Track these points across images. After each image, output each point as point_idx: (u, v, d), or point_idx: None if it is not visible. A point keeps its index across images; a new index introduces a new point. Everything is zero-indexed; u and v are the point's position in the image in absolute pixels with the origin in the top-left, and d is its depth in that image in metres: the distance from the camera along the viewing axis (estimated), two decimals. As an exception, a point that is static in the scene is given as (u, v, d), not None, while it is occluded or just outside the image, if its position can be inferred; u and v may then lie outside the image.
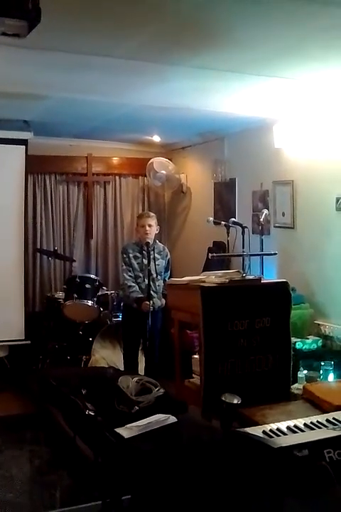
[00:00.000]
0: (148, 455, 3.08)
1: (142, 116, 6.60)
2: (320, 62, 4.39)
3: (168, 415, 3.42)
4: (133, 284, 5.96)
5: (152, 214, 6.17)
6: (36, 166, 7.80)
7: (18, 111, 6.41)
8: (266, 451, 2.74)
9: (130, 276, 5.99)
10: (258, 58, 4.33)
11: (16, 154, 7.13)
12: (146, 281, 5.89)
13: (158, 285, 6.05)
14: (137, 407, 3.59)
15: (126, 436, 3.19)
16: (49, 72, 4.69)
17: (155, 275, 5.96)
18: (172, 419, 3.40)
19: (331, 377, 4.93)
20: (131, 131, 7.82)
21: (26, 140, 7.11)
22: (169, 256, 6.28)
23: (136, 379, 3.86)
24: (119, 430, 3.25)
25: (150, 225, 5.98)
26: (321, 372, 4.99)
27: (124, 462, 3.15)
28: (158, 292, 6.05)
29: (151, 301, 5.81)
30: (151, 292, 5.84)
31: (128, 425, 3.30)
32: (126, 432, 3.24)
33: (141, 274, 6.00)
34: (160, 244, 6.25)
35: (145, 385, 3.84)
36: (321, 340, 5.60)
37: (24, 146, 7.13)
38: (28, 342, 7.18)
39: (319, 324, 5.81)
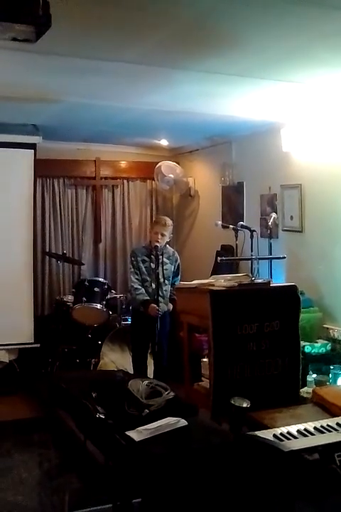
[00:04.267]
0: (159, 458, 3.09)
1: (150, 121, 6.62)
2: (327, 66, 4.39)
3: (179, 418, 3.43)
4: (140, 287, 5.97)
5: (169, 223, 6.12)
6: (45, 169, 7.81)
7: (27, 115, 6.45)
8: (277, 455, 2.74)
9: (137, 279, 6.01)
10: (265, 62, 4.34)
11: (25, 158, 7.14)
12: (154, 285, 5.91)
13: (165, 290, 6.06)
14: (147, 411, 3.60)
15: (136, 440, 3.20)
16: (58, 77, 4.73)
17: (162, 280, 5.98)
18: (183, 422, 3.41)
19: (340, 381, 4.93)
20: (139, 135, 7.84)
21: (35, 144, 7.13)
22: (179, 261, 6.28)
23: (146, 382, 3.87)
24: (130, 433, 3.26)
25: (162, 235, 5.99)
26: (330, 375, 4.99)
27: (135, 465, 3.16)
28: (165, 297, 6.06)
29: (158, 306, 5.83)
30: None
31: (138, 428, 3.31)
32: (136, 435, 3.25)
33: (148, 278, 6.01)
34: (170, 248, 6.26)
35: (156, 388, 3.85)
36: (330, 344, 5.59)
37: (33, 150, 7.15)
38: (38, 345, 7.19)
39: (328, 328, 5.81)
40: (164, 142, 8.27)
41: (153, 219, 7.69)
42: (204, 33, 3.75)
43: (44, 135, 7.08)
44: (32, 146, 7.12)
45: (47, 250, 8.22)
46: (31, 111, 6.12)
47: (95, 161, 8.57)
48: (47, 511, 4.25)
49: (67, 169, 8.41)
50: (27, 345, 7.19)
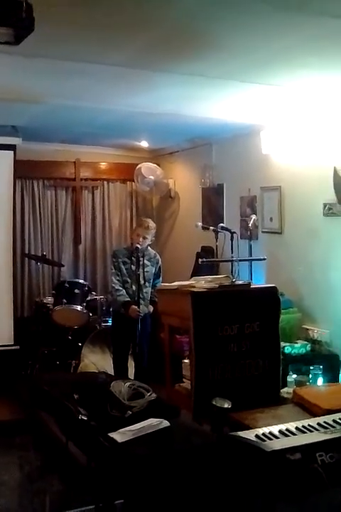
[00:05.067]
0: (142, 459, 3.11)
1: (131, 122, 6.63)
2: (307, 70, 4.44)
3: (161, 420, 3.45)
4: (121, 288, 5.98)
5: (152, 226, 6.12)
6: (24, 171, 7.79)
7: (7, 116, 6.40)
8: (259, 455, 2.77)
9: (118, 280, 6.02)
10: (246, 66, 4.38)
11: (4, 160, 7.12)
12: (134, 287, 5.93)
13: (146, 292, 6.07)
14: (130, 412, 3.61)
15: (119, 441, 3.22)
16: (38, 79, 4.73)
17: (143, 282, 5.98)
18: (165, 423, 3.43)
19: (320, 381, 4.98)
20: (119, 137, 7.85)
21: (15, 145, 7.10)
22: (160, 263, 6.28)
23: (128, 384, 3.88)
24: (113, 435, 3.28)
25: (144, 237, 6.00)
26: (310, 376, 5.04)
27: (118, 466, 3.17)
28: (146, 299, 6.06)
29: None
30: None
31: (121, 430, 3.33)
32: (119, 436, 3.26)
33: (128, 280, 6.02)
34: (151, 250, 6.26)
35: (138, 389, 3.86)
36: (309, 345, 5.64)
37: (12, 152, 7.13)
38: (17, 347, 7.16)
39: (307, 329, 5.86)
40: (144, 144, 8.29)
41: (137, 221, 7.68)
42: (186, 37, 3.78)
43: (24, 136, 7.06)
44: (11, 147, 7.10)
45: (27, 252, 8.19)
46: (11, 112, 6.08)
47: (75, 162, 8.55)
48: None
49: (47, 170, 8.38)
50: (6, 347, 7.14)
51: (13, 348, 7.16)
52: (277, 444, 2.89)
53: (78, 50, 3.99)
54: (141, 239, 5.97)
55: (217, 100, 5.46)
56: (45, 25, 3.15)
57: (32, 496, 4.50)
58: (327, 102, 5.34)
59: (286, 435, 3.07)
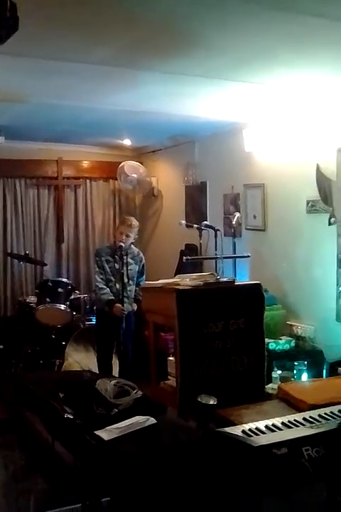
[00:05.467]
0: (129, 457, 3.11)
1: (113, 120, 6.62)
2: (288, 68, 4.46)
3: (147, 417, 3.46)
4: (105, 287, 5.98)
5: (135, 224, 6.13)
6: (6, 170, 7.78)
7: (-12, 115, 6.38)
8: (246, 450, 2.78)
9: (101, 278, 6.02)
10: (227, 64, 4.39)
11: (-14, 158, 7.10)
12: (118, 285, 5.93)
13: (130, 290, 6.07)
14: (116, 410, 3.61)
15: (106, 439, 3.22)
16: (21, 78, 4.70)
17: (126, 280, 5.98)
18: (152, 420, 3.44)
19: (304, 376, 5.02)
20: (102, 135, 7.83)
21: (-4, 144, 7.08)
22: (144, 261, 6.29)
23: (114, 382, 3.89)
24: (99, 433, 3.28)
25: (127, 235, 6.00)
26: (294, 372, 5.07)
27: (105, 464, 3.17)
28: (130, 297, 6.07)
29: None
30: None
31: (107, 427, 3.33)
32: (106, 434, 3.27)
33: (112, 278, 6.02)
34: (134, 248, 6.26)
35: (124, 387, 3.87)
36: (294, 341, 5.69)
37: (-6, 150, 7.10)
38: (1, 347, 7.13)
39: (291, 325, 5.90)
40: (127, 142, 8.27)
41: (119, 219, 7.67)
42: (168, 35, 3.78)
43: (6, 135, 7.02)
44: (-7, 145, 7.07)
45: (9, 251, 8.15)
46: (-8, 111, 6.06)
47: (57, 160, 8.53)
48: (15, 513, 4.21)
49: (29, 169, 8.35)
50: (-10, 347, 7.13)
51: (-3, 347, 7.14)
52: (263, 440, 2.91)
53: (61, 49, 3.97)
54: (124, 237, 5.97)
55: (200, 98, 5.47)
56: (28, 24, 3.13)
57: (16, 495, 4.48)
58: (309, 99, 5.37)
59: (272, 430, 3.09)
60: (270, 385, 4.96)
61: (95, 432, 3.31)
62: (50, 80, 4.74)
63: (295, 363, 5.10)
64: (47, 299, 7.01)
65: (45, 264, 8.28)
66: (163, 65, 4.37)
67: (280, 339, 5.63)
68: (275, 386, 4.74)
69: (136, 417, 3.48)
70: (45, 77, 4.67)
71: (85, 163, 8.81)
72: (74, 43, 3.87)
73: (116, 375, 5.84)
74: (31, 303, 7.32)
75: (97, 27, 3.58)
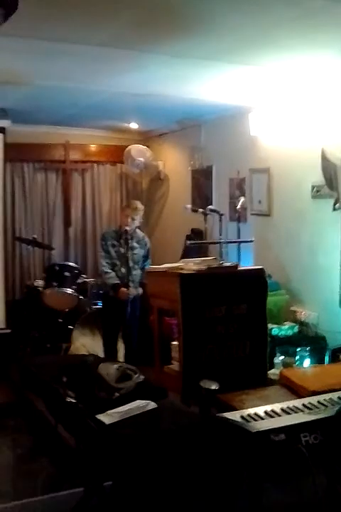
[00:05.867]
0: (130, 441, 3.14)
1: (119, 104, 6.62)
2: (289, 50, 4.45)
3: (148, 401, 3.47)
4: (110, 271, 6.02)
5: (140, 208, 6.18)
6: (14, 154, 7.76)
7: (-5, 98, 6.40)
8: (244, 436, 2.81)
9: (107, 262, 6.05)
10: (233, 46, 4.38)
11: (-6, 142, 7.10)
12: (123, 269, 5.96)
13: (135, 274, 6.10)
14: (117, 394, 3.62)
15: (107, 423, 3.23)
16: (26, 60, 4.72)
17: (131, 264, 6.01)
18: (153, 404, 3.46)
19: (307, 362, 5.03)
20: (109, 118, 7.82)
21: (4, 128, 7.08)
22: (149, 245, 6.31)
23: (116, 366, 3.89)
24: (100, 417, 3.29)
25: (133, 219, 6.03)
26: (297, 357, 5.08)
27: (106, 448, 3.20)
28: (135, 281, 6.09)
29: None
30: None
31: (109, 411, 3.35)
32: (107, 418, 3.28)
33: (117, 262, 6.05)
34: (140, 233, 6.29)
35: (126, 371, 3.87)
36: (297, 327, 5.68)
37: (2, 135, 7.10)
38: (9, 331, 7.17)
39: (295, 311, 5.90)
40: (134, 125, 8.27)
41: (124, 203, 7.69)
42: (172, 17, 3.77)
43: (13, 119, 7.03)
44: (1, 130, 7.08)
45: (18, 235, 8.19)
46: (0, 94, 6.06)
47: (64, 144, 8.54)
48: (20, 495, 4.26)
49: (37, 153, 8.37)
50: (-2, 331, 7.17)
51: (5, 331, 7.17)
52: (261, 425, 2.92)
53: (64, 30, 3.98)
54: (129, 220, 5.99)
55: (205, 81, 5.46)
56: (31, 5, 3.14)
57: (23, 477, 4.54)
58: (314, 83, 5.35)
59: (271, 416, 3.10)
60: (272, 371, 4.98)
61: (96, 415, 3.33)
62: (54, 61, 4.75)
63: (298, 349, 5.11)
64: (55, 283, 7.04)
65: (53, 248, 8.30)
66: (166, 46, 4.37)
67: (284, 325, 5.63)
68: (278, 372, 4.75)
69: (137, 401, 3.49)
70: (49, 59, 4.68)
71: (92, 147, 8.82)
72: (77, 24, 3.88)
73: (122, 359, 5.89)
74: (39, 287, 7.36)
75: (99, 7, 3.59)
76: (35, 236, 7.83)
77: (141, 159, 8.34)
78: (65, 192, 8.62)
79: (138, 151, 8.37)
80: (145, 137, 8.88)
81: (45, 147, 8.41)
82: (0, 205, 7.18)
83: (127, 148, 8.38)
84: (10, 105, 6.76)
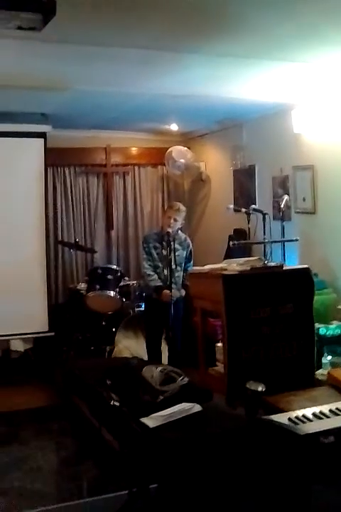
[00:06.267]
0: (174, 444, 3.09)
1: (159, 106, 6.60)
2: (335, 45, 4.37)
3: (193, 404, 3.43)
4: (152, 273, 6.00)
5: (182, 209, 6.14)
6: (55, 158, 7.82)
7: (36, 104, 6.43)
8: (292, 439, 2.74)
9: (149, 265, 6.04)
10: (273, 43, 4.33)
11: (35, 147, 7.15)
12: (166, 271, 5.92)
13: (178, 276, 6.06)
14: (162, 397, 3.59)
15: (151, 426, 3.20)
16: (65, 65, 4.73)
17: (174, 266, 5.96)
18: (198, 407, 3.41)
19: (355, 362, 4.92)
20: (149, 121, 7.81)
21: (45, 133, 7.12)
22: (191, 247, 6.27)
23: (160, 368, 3.86)
24: (144, 420, 3.26)
25: (175, 219, 6.00)
26: (345, 357, 4.98)
27: (150, 452, 3.16)
28: (178, 283, 6.05)
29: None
30: (170, 283, 5.87)
31: (153, 415, 3.31)
32: (151, 421, 3.25)
33: (160, 264, 6.02)
34: (182, 234, 6.25)
35: (170, 374, 3.84)
36: (344, 326, 5.57)
37: (43, 139, 7.14)
38: (52, 334, 7.22)
39: (342, 309, 5.78)
40: (174, 127, 8.24)
41: (166, 205, 7.67)
42: (211, 16, 3.75)
43: (54, 123, 7.07)
44: (42, 134, 7.12)
45: (60, 239, 8.25)
46: (40, 99, 6.11)
47: (105, 148, 8.56)
48: (65, 498, 4.27)
49: (78, 157, 8.42)
50: (42, 334, 7.22)
51: (48, 334, 7.22)
52: (310, 428, 2.87)
53: (102, 35, 4.00)
54: (172, 221, 5.96)
55: (246, 80, 5.40)
56: (67, 9, 3.13)
57: (68, 480, 4.55)
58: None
59: (320, 418, 3.04)
60: (320, 371, 4.87)
61: (140, 419, 3.29)
62: (92, 66, 4.75)
63: (346, 349, 5.01)
64: (97, 286, 7.05)
65: (95, 252, 8.34)
66: (206, 46, 4.33)
67: (331, 324, 5.49)
68: (325, 372, 4.65)
69: (182, 404, 3.45)
70: (87, 64, 4.69)
71: (133, 150, 8.82)
72: (116, 28, 3.89)
73: (166, 362, 5.86)
74: (82, 290, 7.39)
75: (138, 9, 3.57)
76: (77, 240, 7.87)
77: (182, 161, 8.30)
78: (106, 195, 8.65)
79: (179, 153, 8.34)
80: (186, 138, 8.84)
81: (86, 151, 8.45)
82: (42, 209, 7.22)
83: (168, 150, 8.36)
84: (50, 110, 6.81)
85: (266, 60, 4.76)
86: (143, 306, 6.92)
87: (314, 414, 3.04)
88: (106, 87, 5.52)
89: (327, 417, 3.02)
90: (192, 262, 6.25)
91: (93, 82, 5.29)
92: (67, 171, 8.41)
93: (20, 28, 2.98)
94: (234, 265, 4.96)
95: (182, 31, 4.05)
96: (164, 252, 5.97)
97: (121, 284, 7.24)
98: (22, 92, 5.57)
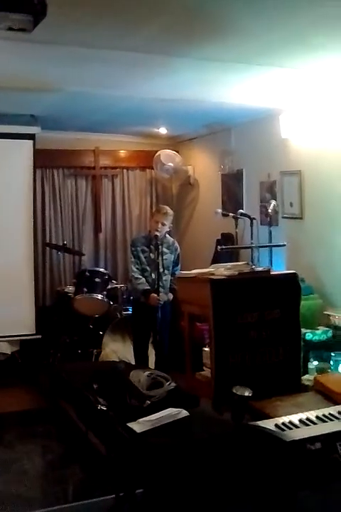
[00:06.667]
0: (161, 449, 3.09)
1: (148, 109, 6.59)
2: (323, 51, 4.38)
3: (180, 409, 3.43)
4: (140, 277, 5.99)
5: (170, 213, 6.13)
6: (44, 160, 7.79)
7: (25, 105, 6.42)
8: (279, 445, 2.74)
9: (137, 268, 6.03)
10: (262, 48, 4.34)
11: (24, 149, 7.12)
12: (153, 275, 5.92)
13: (165, 280, 6.05)
14: (149, 402, 3.59)
15: (138, 431, 3.20)
16: (55, 66, 4.71)
17: (162, 270, 5.96)
18: (184, 413, 3.41)
19: (342, 367, 4.94)
20: (138, 124, 7.81)
21: (34, 134, 7.10)
22: (179, 250, 6.27)
23: (147, 373, 3.86)
24: (131, 425, 3.26)
25: (163, 223, 5.99)
26: (331, 363, 4.99)
27: (137, 456, 3.16)
28: (165, 287, 6.05)
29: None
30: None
31: (140, 420, 3.31)
32: (138, 426, 3.25)
33: (148, 268, 6.02)
34: (169, 238, 6.25)
35: (157, 379, 3.84)
36: (331, 331, 5.57)
37: (32, 141, 7.12)
38: (39, 336, 7.20)
39: (329, 315, 5.76)
40: (163, 130, 8.24)
41: (154, 208, 7.67)
42: (201, 20, 3.74)
43: (43, 125, 7.05)
44: (31, 136, 7.10)
45: (48, 241, 8.22)
46: (29, 101, 6.09)
47: (94, 150, 8.55)
48: (51, 502, 4.25)
49: (67, 159, 8.40)
50: (28, 337, 7.20)
51: (35, 337, 7.20)
52: (297, 434, 2.87)
53: (93, 36, 3.98)
54: (159, 225, 5.96)
55: (235, 84, 5.41)
56: (57, 10, 3.13)
57: (54, 484, 4.53)
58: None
59: (306, 424, 3.05)
60: (306, 377, 4.89)
61: (128, 424, 3.29)
62: (82, 68, 4.74)
63: (332, 354, 5.02)
64: (85, 289, 7.04)
65: (83, 254, 8.31)
66: (195, 50, 4.34)
67: (317, 329, 5.52)
68: (312, 377, 4.67)
69: (169, 409, 3.45)
70: (78, 66, 4.68)
71: (122, 153, 8.81)
72: (107, 30, 3.87)
73: (152, 366, 5.85)
74: (69, 293, 7.38)
75: (127, 12, 3.57)
76: (65, 242, 7.87)
77: (171, 164, 8.31)
78: (94, 198, 8.63)
79: (167, 156, 8.34)
80: (175, 142, 8.84)
81: (74, 153, 8.43)
82: (30, 211, 7.20)
83: (156, 154, 8.36)
84: (40, 112, 6.80)
85: (254, 65, 4.76)
86: (130, 309, 6.92)
87: (300, 421, 3.05)
88: (95, 89, 5.50)
89: (314, 423, 3.03)
90: (179, 265, 6.25)
91: (83, 84, 5.28)
92: (55, 173, 8.38)
93: (10, 29, 2.97)
94: (222, 270, 4.96)
95: (172, 35, 4.05)
96: (152, 256, 5.97)
97: (109, 287, 7.23)
98: (11, 94, 5.55)
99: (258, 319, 4.76)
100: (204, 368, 5.13)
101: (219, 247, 5.85)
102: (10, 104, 6.12)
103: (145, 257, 6.02)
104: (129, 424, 3.26)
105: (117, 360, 6.15)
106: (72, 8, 3.43)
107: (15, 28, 2.98)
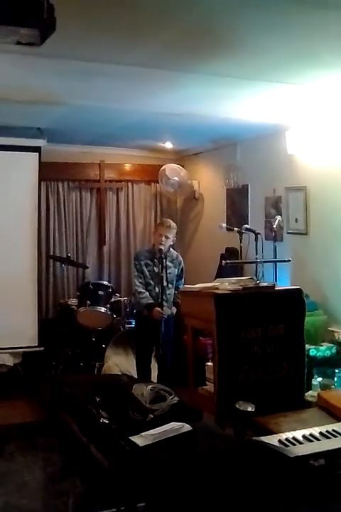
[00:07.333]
0: (163, 463, 3.08)
1: (154, 123, 6.61)
2: (331, 68, 4.37)
3: (183, 423, 3.42)
4: (144, 291, 5.96)
5: (173, 226, 6.11)
6: (49, 172, 7.81)
7: (32, 118, 6.44)
8: (283, 461, 2.72)
9: (141, 282, 6.00)
10: (269, 65, 4.33)
11: (30, 161, 7.15)
12: (157, 289, 5.91)
13: (169, 293, 6.04)
14: (151, 415, 3.58)
15: (140, 445, 3.19)
16: (62, 80, 4.73)
17: (165, 283, 5.95)
18: (187, 427, 3.40)
19: (346, 384, 4.91)
20: (144, 138, 7.84)
21: (40, 147, 7.12)
22: (182, 264, 6.25)
23: (150, 387, 3.86)
24: (134, 438, 3.25)
25: (166, 237, 5.97)
26: (335, 379, 4.96)
27: (139, 470, 3.14)
28: (169, 301, 6.03)
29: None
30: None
31: (142, 433, 3.30)
32: (140, 440, 3.24)
33: (151, 282, 6.00)
34: (173, 252, 6.23)
35: (160, 392, 3.83)
36: (335, 347, 5.54)
37: (37, 153, 7.15)
38: (42, 349, 7.18)
39: (333, 331, 5.75)
40: (168, 145, 8.26)
41: (158, 222, 7.68)
42: (208, 36, 3.74)
43: (48, 138, 7.08)
44: (36, 149, 7.12)
45: (52, 253, 8.23)
46: (36, 114, 6.11)
47: (99, 163, 8.57)
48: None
49: (72, 172, 8.42)
50: (31, 349, 7.18)
51: (38, 349, 7.19)
52: (300, 450, 2.86)
53: (100, 51, 3.98)
54: (163, 238, 5.94)
55: (241, 100, 5.42)
56: (65, 25, 3.13)
57: (54, 497, 4.50)
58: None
59: (310, 440, 3.03)
60: (310, 393, 4.86)
61: (130, 437, 3.28)
62: (89, 81, 4.75)
63: (336, 370, 4.99)
64: (88, 302, 7.03)
65: (87, 267, 8.32)
66: (202, 66, 4.33)
67: (321, 345, 5.50)
68: (315, 394, 4.64)
69: (172, 423, 3.44)
70: (84, 80, 4.69)
71: (127, 166, 8.83)
72: (113, 45, 3.87)
73: (155, 379, 5.83)
74: (72, 305, 7.37)
75: (135, 27, 3.57)
76: (69, 254, 7.87)
77: (176, 178, 8.32)
78: (99, 211, 8.64)
79: (172, 171, 8.35)
80: (180, 156, 8.86)
81: (79, 166, 8.46)
82: (35, 223, 7.21)
83: (162, 168, 8.37)
84: (46, 125, 6.82)
85: (261, 82, 4.76)
86: (133, 322, 6.90)
87: (304, 437, 3.03)
88: (101, 103, 5.53)
89: (318, 439, 3.01)
90: (183, 279, 6.23)
91: (89, 97, 5.30)
92: (60, 186, 8.40)
93: (19, 43, 2.97)
94: (226, 284, 4.96)
95: (179, 51, 4.05)
96: (156, 270, 5.96)
97: (112, 300, 7.22)
98: (18, 106, 5.57)
99: (262, 334, 4.75)
100: (207, 382, 5.12)
101: (224, 261, 5.84)
102: (17, 116, 6.14)
103: (148, 271, 6.01)
104: (132, 438, 3.25)
105: (119, 373, 6.13)
106: (80, 23, 3.44)
107: (23, 42, 2.98)
